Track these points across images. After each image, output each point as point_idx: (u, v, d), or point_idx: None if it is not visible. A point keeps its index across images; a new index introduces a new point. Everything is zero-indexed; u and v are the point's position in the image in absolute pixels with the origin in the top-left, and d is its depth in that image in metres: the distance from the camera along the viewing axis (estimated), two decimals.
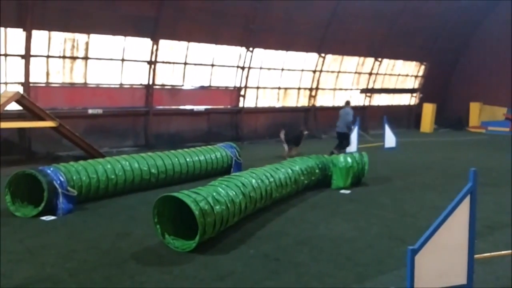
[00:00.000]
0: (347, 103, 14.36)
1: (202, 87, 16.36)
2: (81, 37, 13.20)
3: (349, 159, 9.65)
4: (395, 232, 6.75)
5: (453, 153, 15.49)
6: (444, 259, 4.62)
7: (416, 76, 24.03)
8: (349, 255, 5.76)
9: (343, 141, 13.58)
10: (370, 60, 21.19)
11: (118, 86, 14.38)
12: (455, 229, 4.63)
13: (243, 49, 16.68)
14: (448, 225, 4.59)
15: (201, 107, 16.19)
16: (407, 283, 4.50)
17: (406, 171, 11.80)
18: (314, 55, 18.84)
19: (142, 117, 15.02)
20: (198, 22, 15.15)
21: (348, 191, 9.24)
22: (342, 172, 9.49)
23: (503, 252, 5.30)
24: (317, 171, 9.35)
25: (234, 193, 6.55)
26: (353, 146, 14.07)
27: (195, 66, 15.84)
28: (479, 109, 23.53)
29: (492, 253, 5.18)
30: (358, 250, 5.95)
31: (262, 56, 17.36)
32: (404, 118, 23.89)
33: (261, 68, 17.54)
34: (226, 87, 17.03)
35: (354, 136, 14.38)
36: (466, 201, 4.65)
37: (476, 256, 4.80)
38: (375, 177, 10.55)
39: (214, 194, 6.16)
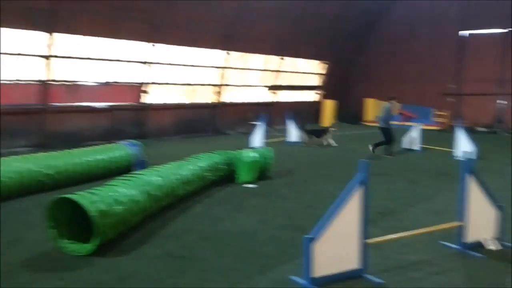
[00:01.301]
0: (389, 98, 14.16)
1: (104, 83, 15.70)
2: None
3: (254, 154, 9.83)
4: (297, 222, 7.00)
5: (351, 145, 16.40)
6: (339, 245, 4.89)
7: (318, 74, 25.10)
8: (252, 248, 5.87)
9: (384, 137, 13.54)
10: (275, 58, 21.74)
11: (9, 82, 13.30)
12: (348, 217, 4.92)
13: (147, 44, 16.26)
14: (341, 214, 4.86)
15: (103, 104, 15.53)
16: (305, 270, 4.72)
17: (308, 164, 12.30)
18: (220, 52, 18.91)
19: (37, 115, 14.03)
20: (98, 15, 14.47)
21: (253, 185, 9.41)
22: (248, 166, 9.64)
23: (391, 236, 5.71)
24: (223, 166, 9.41)
25: (135, 192, 6.37)
26: (258, 141, 14.34)
27: (95, 61, 15.15)
28: (373, 105, 25.15)
29: (382, 237, 5.56)
30: (261, 242, 6.08)
31: (168, 52, 17.07)
32: (307, 113, 24.84)
33: (166, 64, 17.24)
34: (130, 83, 16.50)
35: (259, 131, 14.67)
36: (358, 190, 4.96)
37: (367, 241, 5.14)
38: (280, 171, 10.86)
39: (113, 194, 5.94)
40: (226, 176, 9.64)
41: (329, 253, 4.82)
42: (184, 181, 7.91)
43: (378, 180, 10.14)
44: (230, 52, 19.12)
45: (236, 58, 19.84)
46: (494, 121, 21.82)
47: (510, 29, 21.38)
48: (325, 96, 24.79)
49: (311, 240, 4.69)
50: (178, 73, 17.90)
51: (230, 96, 20.42)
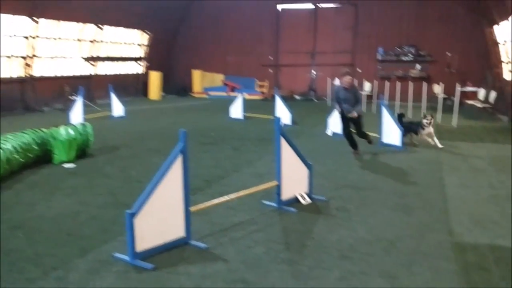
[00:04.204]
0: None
1: None
2: None
3: (71, 131, 9.08)
4: (121, 199, 6.72)
5: (179, 117, 16.42)
6: (163, 216, 4.84)
7: (140, 45, 24.25)
8: (70, 231, 5.44)
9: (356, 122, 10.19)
10: (91, 27, 20.25)
11: None
12: (170, 187, 4.87)
13: None
14: (163, 185, 4.79)
15: None
16: (128, 245, 4.56)
17: (134, 139, 11.89)
18: (26, 19, 16.82)
19: None
20: None
21: (72, 165, 8.72)
22: (64, 145, 8.87)
23: (213, 201, 5.84)
24: (35, 147, 8.49)
25: None
26: (77, 117, 13.35)
27: None
28: (200, 76, 25.49)
29: (206, 204, 5.66)
30: (81, 224, 5.68)
31: None
32: (132, 86, 23.99)
33: None
34: None
35: (78, 106, 13.64)
36: (179, 160, 4.92)
37: (191, 208, 5.18)
38: (103, 147, 10.30)
39: None
40: (40, 157, 8.75)
41: (153, 225, 4.73)
42: None
43: (204, 149, 10.38)
44: (37, 19, 17.12)
45: (46, 25, 17.87)
46: (308, 89, 24.04)
47: (318, 4, 23.52)
48: (150, 68, 24.15)
49: (133, 214, 4.53)
50: None
51: (42, 69, 18.42)
